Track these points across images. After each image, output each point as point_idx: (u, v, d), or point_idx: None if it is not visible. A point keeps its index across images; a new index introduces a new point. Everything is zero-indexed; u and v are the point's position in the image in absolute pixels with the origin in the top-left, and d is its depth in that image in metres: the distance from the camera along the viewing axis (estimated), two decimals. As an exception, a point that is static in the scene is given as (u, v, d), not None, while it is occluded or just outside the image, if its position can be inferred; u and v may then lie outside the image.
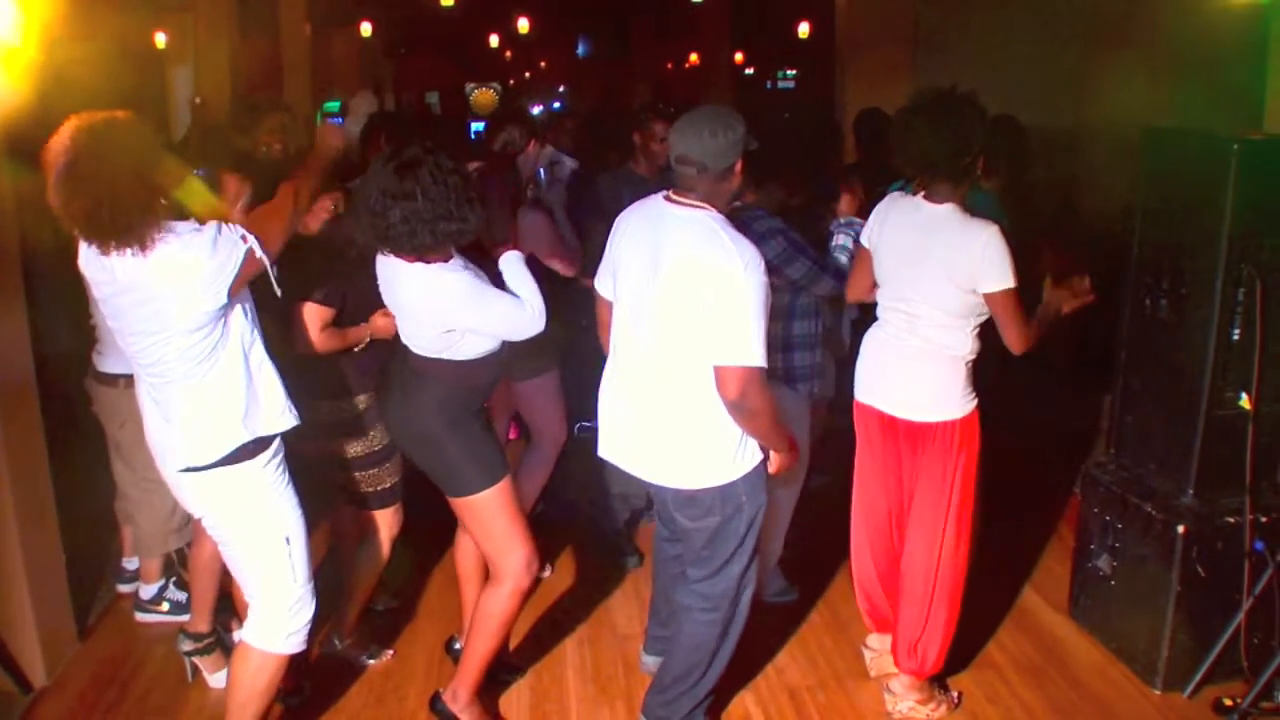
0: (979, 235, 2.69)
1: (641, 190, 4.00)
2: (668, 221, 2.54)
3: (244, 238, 2.33)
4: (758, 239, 2.99)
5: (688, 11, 13.02)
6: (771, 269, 2.79)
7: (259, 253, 2.34)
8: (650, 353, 2.60)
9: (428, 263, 2.55)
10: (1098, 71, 6.47)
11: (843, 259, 3.25)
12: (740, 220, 3.01)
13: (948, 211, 2.77)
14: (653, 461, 2.67)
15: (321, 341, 2.87)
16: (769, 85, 18.42)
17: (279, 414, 2.50)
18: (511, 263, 2.81)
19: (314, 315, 2.85)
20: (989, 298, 2.71)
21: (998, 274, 2.67)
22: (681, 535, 2.78)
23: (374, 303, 2.83)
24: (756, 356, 2.42)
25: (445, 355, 2.66)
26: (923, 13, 7.14)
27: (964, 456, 2.88)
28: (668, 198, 2.58)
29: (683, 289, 2.48)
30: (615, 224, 2.73)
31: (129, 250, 2.23)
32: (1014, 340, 2.75)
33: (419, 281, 2.56)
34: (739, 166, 2.52)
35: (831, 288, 3.19)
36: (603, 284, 2.79)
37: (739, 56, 16.74)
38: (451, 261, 2.60)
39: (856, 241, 3.16)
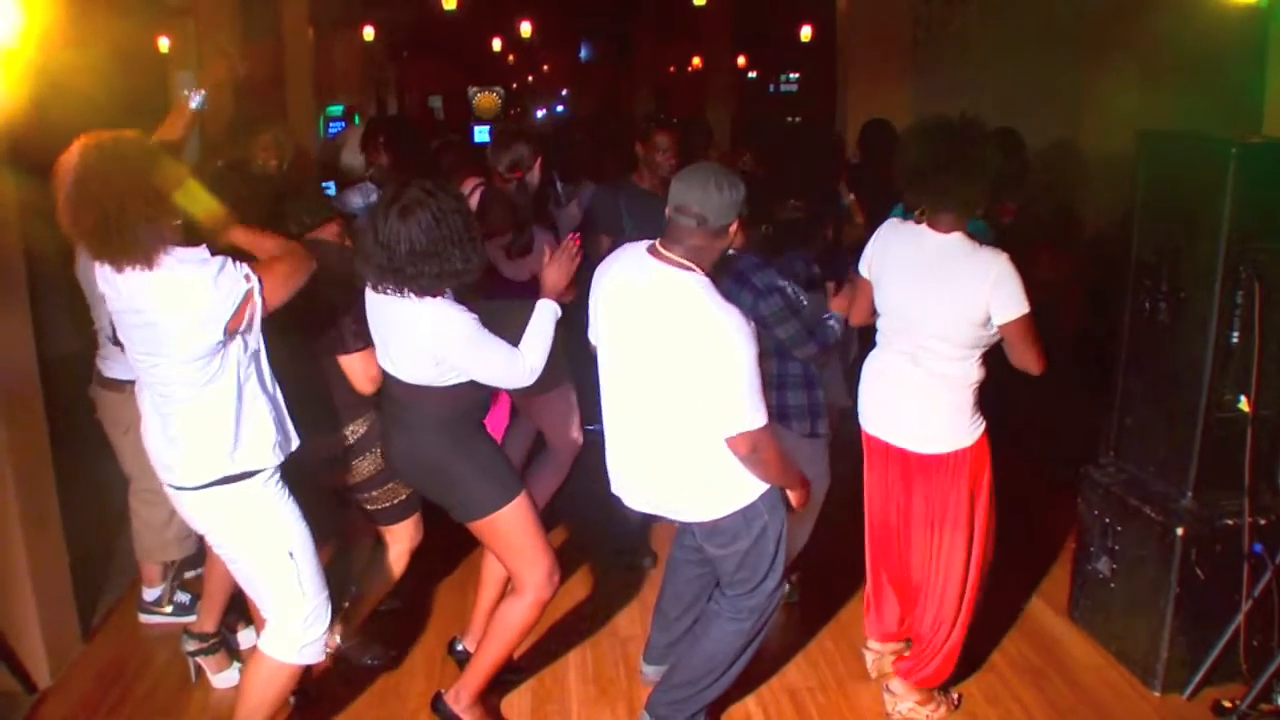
0: (990, 266, 2.64)
1: (644, 205, 3.98)
2: (650, 286, 2.50)
3: (247, 277, 2.31)
4: (757, 294, 3.00)
5: (690, 15, 13.02)
6: (761, 323, 2.78)
7: (257, 297, 2.33)
8: (643, 406, 2.60)
9: (433, 296, 2.55)
10: (1097, 74, 6.46)
11: (829, 330, 3.21)
12: (737, 271, 3.00)
13: (954, 241, 2.71)
14: (670, 501, 2.68)
15: (380, 375, 2.83)
16: (771, 89, 18.47)
17: (267, 450, 2.48)
18: (544, 313, 2.78)
19: (364, 360, 2.82)
20: (1004, 327, 2.66)
21: (1012, 303, 2.63)
22: (712, 561, 2.79)
23: None
24: (758, 419, 2.45)
25: (434, 383, 2.66)
26: (923, 15, 7.17)
27: (978, 483, 2.86)
28: (652, 250, 2.54)
29: (671, 357, 2.47)
30: (595, 276, 2.69)
31: (136, 267, 2.23)
32: (1032, 363, 2.69)
33: (422, 312, 2.55)
34: (734, 228, 2.51)
35: (812, 353, 3.13)
36: (594, 334, 2.75)
37: (741, 60, 16.77)
38: (448, 296, 2.59)
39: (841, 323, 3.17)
